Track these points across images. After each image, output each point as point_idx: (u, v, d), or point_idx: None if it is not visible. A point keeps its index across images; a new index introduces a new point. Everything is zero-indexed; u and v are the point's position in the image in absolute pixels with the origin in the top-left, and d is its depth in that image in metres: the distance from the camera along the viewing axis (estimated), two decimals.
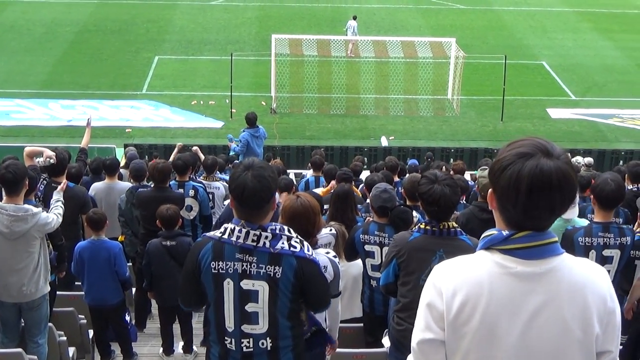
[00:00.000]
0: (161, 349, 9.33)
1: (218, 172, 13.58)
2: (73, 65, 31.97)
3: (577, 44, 36.61)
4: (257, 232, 4.50)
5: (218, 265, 4.56)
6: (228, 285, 4.57)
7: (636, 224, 7.92)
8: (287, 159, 22.47)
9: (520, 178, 2.87)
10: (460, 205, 10.95)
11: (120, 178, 13.03)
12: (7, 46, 33.91)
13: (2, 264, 7.65)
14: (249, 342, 4.66)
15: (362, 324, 8.22)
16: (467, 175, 15.35)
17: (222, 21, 38.39)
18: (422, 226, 6.01)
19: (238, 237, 4.51)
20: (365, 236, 7.74)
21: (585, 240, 7.10)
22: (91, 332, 9.11)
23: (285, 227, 4.64)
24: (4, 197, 7.59)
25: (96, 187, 11.85)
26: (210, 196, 11.97)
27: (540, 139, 2.97)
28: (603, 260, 7.10)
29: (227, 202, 10.77)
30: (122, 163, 16.64)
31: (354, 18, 34.14)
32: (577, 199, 8.06)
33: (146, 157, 20.91)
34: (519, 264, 2.96)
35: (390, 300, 6.93)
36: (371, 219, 7.97)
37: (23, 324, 8.01)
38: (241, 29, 37.36)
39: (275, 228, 4.56)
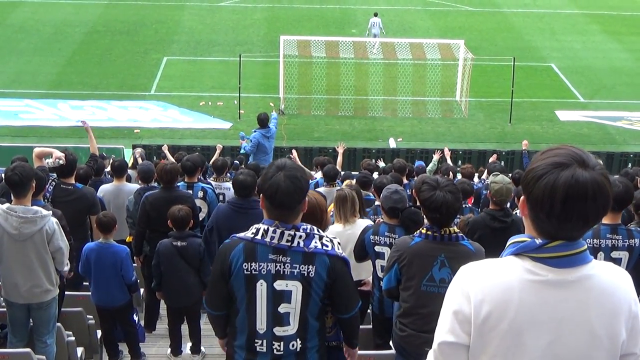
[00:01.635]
0: (169, 350, 9.36)
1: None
2: (82, 66, 32.04)
3: (586, 46, 36.53)
4: (292, 232, 4.53)
5: (250, 266, 4.56)
6: (261, 287, 4.58)
7: None
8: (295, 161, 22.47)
9: (555, 188, 2.86)
10: (466, 208, 10.94)
11: (129, 179, 13.06)
12: (16, 47, 33.99)
13: (12, 266, 7.68)
14: (279, 345, 4.66)
15: (370, 326, 8.23)
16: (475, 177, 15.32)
17: (231, 22, 38.42)
18: (424, 231, 6.02)
19: (272, 238, 4.53)
20: (376, 237, 7.75)
21: (593, 241, 7.09)
22: (99, 332, 9.15)
23: (315, 227, 4.66)
24: (13, 199, 7.63)
25: (104, 188, 11.88)
26: (221, 197, 11.99)
27: (576, 149, 2.96)
28: (611, 262, 7.07)
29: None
30: (130, 164, 16.69)
31: (376, 15, 33.99)
32: None
33: (154, 157, 20.93)
34: (550, 272, 2.95)
35: (394, 305, 6.95)
36: (382, 220, 7.98)
37: (32, 324, 8.05)
38: (249, 30, 37.39)
39: (307, 227, 4.60)
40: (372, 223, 8.45)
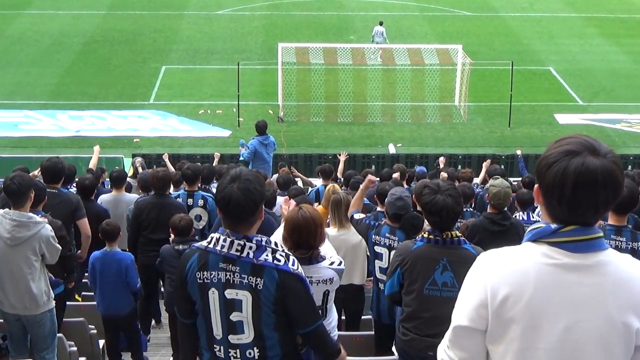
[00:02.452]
0: (171, 358, 9.34)
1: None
2: (81, 76, 32.06)
3: (584, 49, 36.56)
4: (242, 242, 4.53)
5: (203, 275, 4.60)
6: (213, 295, 4.60)
7: None
8: (295, 167, 22.45)
9: (565, 175, 2.93)
10: (467, 212, 10.95)
11: (129, 189, 13.06)
12: (15, 58, 34.02)
13: (2, 270, 7.67)
14: (236, 353, 4.69)
15: (371, 332, 8.23)
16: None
17: (229, 30, 38.45)
18: (426, 235, 6.03)
19: (222, 247, 4.55)
20: (377, 237, 7.79)
21: None
22: (101, 342, 9.16)
23: (272, 240, 4.65)
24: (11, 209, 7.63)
25: (103, 199, 11.89)
26: None
27: (588, 137, 3.03)
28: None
29: None
30: (130, 173, 16.71)
31: (381, 24, 33.83)
32: None
33: (154, 166, 20.93)
34: (566, 256, 3.00)
35: (397, 310, 6.96)
36: (385, 222, 8.00)
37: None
38: (248, 38, 37.42)
39: (261, 240, 4.58)
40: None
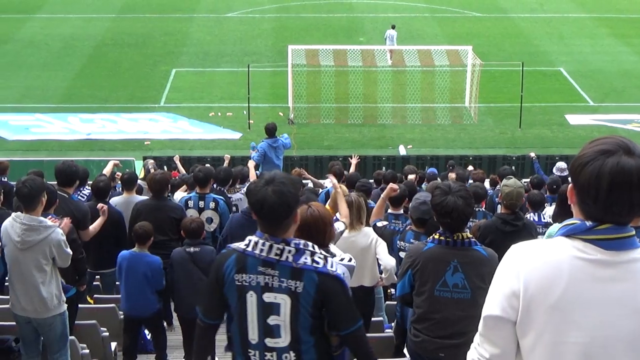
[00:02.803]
0: None
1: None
2: (91, 79, 32.17)
3: (595, 50, 36.47)
4: (281, 246, 4.50)
5: (242, 277, 4.56)
6: (251, 298, 4.57)
7: None
8: (306, 169, 22.44)
9: (601, 175, 2.94)
10: (480, 212, 10.93)
11: (140, 191, 13.08)
12: (26, 61, 34.15)
13: (13, 274, 7.71)
14: (272, 356, 4.65)
15: (381, 334, 8.20)
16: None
17: (239, 33, 38.52)
18: (437, 237, 6.02)
19: (261, 250, 4.50)
20: (402, 243, 7.81)
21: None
22: (113, 345, 9.17)
23: (310, 243, 4.63)
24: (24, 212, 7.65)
25: (115, 201, 11.91)
26: (235, 208, 12.01)
27: (623, 138, 3.03)
28: None
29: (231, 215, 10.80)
30: (142, 175, 16.74)
31: (393, 27, 33.73)
32: None
33: (165, 169, 20.97)
34: (600, 252, 3.01)
35: (408, 312, 6.96)
36: (410, 227, 8.00)
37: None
38: (258, 40, 37.48)
39: (299, 243, 4.55)
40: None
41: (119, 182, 14.27)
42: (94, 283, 10.78)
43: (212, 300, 4.77)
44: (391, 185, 8.79)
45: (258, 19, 41.00)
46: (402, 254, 7.78)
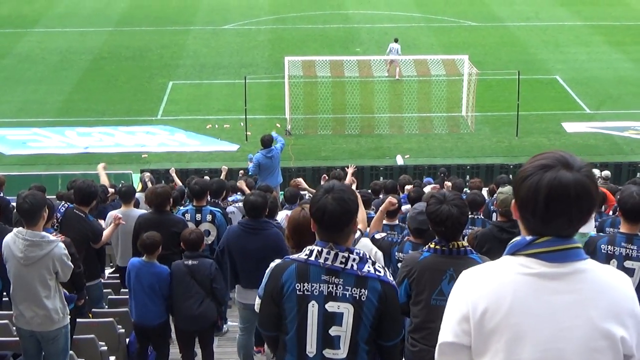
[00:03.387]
0: None
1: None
2: (88, 93, 32.20)
3: (591, 57, 36.55)
4: (346, 254, 4.52)
5: (303, 287, 4.55)
6: (313, 308, 4.56)
7: None
8: (303, 180, 22.45)
9: (538, 189, 2.97)
10: (478, 220, 10.95)
11: (137, 204, 13.09)
12: (23, 76, 34.19)
13: (17, 289, 7.72)
14: None
15: None
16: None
17: (235, 45, 38.58)
18: (432, 246, 6.04)
19: (326, 259, 4.52)
20: (400, 254, 7.79)
21: (607, 247, 7.15)
22: (112, 358, 9.16)
23: (367, 253, 4.66)
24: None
25: (113, 214, 11.92)
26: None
27: (563, 152, 3.08)
28: (624, 272, 7.08)
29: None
30: (139, 188, 16.74)
31: (396, 40, 33.46)
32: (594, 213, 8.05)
33: (162, 182, 20.97)
34: (543, 265, 3.03)
35: (405, 321, 6.95)
36: (408, 238, 8.01)
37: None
38: (254, 52, 37.54)
39: (360, 252, 4.58)
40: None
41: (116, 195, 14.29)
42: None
43: (268, 312, 4.74)
44: (390, 198, 8.80)
45: (254, 30, 41.08)
46: (400, 265, 7.78)
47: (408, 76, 31.46)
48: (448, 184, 14.19)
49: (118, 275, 11.98)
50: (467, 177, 21.57)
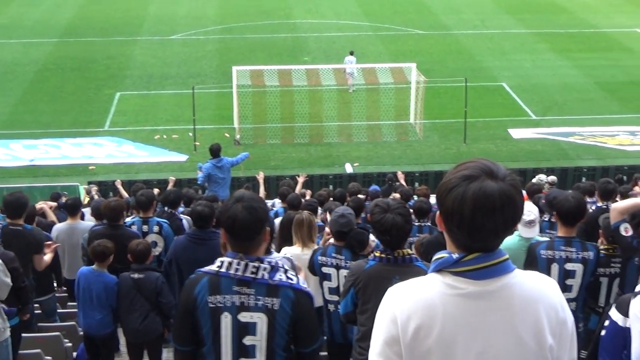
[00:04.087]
0: None
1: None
2: (34, 105, 31.78)
3: (536, 65, 37.03)
4: (256, 264, 4.49)
5: (215, 299, 4.53)
6: (225, 319, 4.53)
7: (599, 240, 7.99)
8: (253, 189, 22.38)
9: (464, 200, 2.92)
10: (425, 227, 10.99)
11: (82, 217, 12.92)
12: None
13: None
14: None
15: (326, 353, 8.20)
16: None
17: (183, 55, 38.40)
18: (378, 254, 6.06)
19: (237, 270, 4.49)
20: (323, 258, 7.77)
21: (547, 253, 7.24)
22: None
23: (280, 261, 4.64)
24: None
25: (58, 227, 11.76)
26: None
27: (487, 161, 3.02)
28: (566, 274, 7.22)
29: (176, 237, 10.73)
30: (85, 201, 16.55)
31: (351, 53, 33.18)
32: (538, 218, 8.15)
33: (110, 194, 20.77)
34: (470, 284, 2.99)
35: (352, 329, 6.94)
36: (331, 242, 8.01)
37: None
38: (202, 62, 37.40)
39: (272, 260, 4.56)
40: None
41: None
42: (36, 312, 10.60)
43: (183, 326, 4.69)
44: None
45: (202, 40, 40.92)
46: (324, 269, 7.78)
47: (356, 85, 31.58)
48: (397, 195, 14.23)
49: (65, 288, 11.81)
50: (416, 185, 21.65)
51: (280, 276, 4.52)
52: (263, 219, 4.52)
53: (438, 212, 3.07)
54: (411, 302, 3.02)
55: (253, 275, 4.48)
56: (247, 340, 4.55)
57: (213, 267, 4.57)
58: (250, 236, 4.49)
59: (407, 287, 3.10)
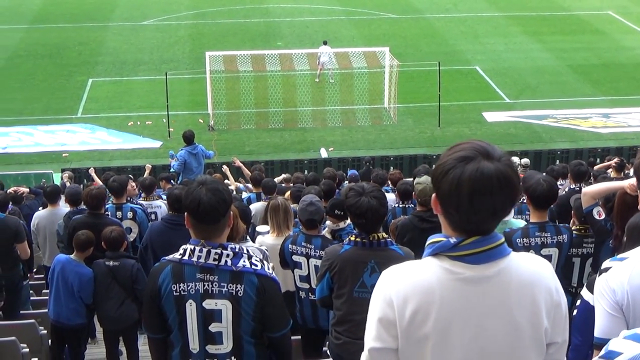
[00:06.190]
0: None
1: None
2: (5, 92, 31.47)
3: (509, 48, 37.15)
4: (218, 251, 4.47)
5: (179, 287, 4.51)
6: (190, 307, 4.52)
7: (571, 222, 8.04)
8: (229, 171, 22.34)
9: (461, 182, 2.89)
10: (399, 209, 11.00)
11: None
12: None
13: None
14: None
15: (299, 337, 8.21)
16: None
17: (155, 41, 38.15)
18: (352, 238, 6.06)
19: (199, 257, 4.47)
20: (293, 246, 7.78)
21: (523, 240, 7.21)
22: None
23: (244, 247, 4.62)
24: None
25: (39, 215, 11.72)
26: (153, 216, 11.88)
27: (481, 142, 2.99)
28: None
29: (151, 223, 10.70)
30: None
31: (325, 43, 32.50)
32: None
33: (85, 181, 20.67)
34: (468, 269, 2.98)
35: (323, 315, 6.96)
36: (301, 230, 8.01)
37: None
38: (175, 47, 37.19)
39: (235, 247, 4.54)
40: None
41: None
42: None
43: (151, 315, 4.69)
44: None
45: (174, 26, 40.68)
46: (295, 258, 7.78)
47: (329, 69, 31.55)
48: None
49: (42, 275, 11.76)
50: (391, 168, 21.71)
51: (243, 262, 4.50)
52: (228, 201, 4.49)
53: (434, 195, 3.03)
54: (408, 285, 3.00)
55: (216, 262, 4.46)
56: (213, 327, 4.55)
57: (176, 255, 4.55)
58: (216, 218, 4.44)
59: (403, 270, 3.07)
